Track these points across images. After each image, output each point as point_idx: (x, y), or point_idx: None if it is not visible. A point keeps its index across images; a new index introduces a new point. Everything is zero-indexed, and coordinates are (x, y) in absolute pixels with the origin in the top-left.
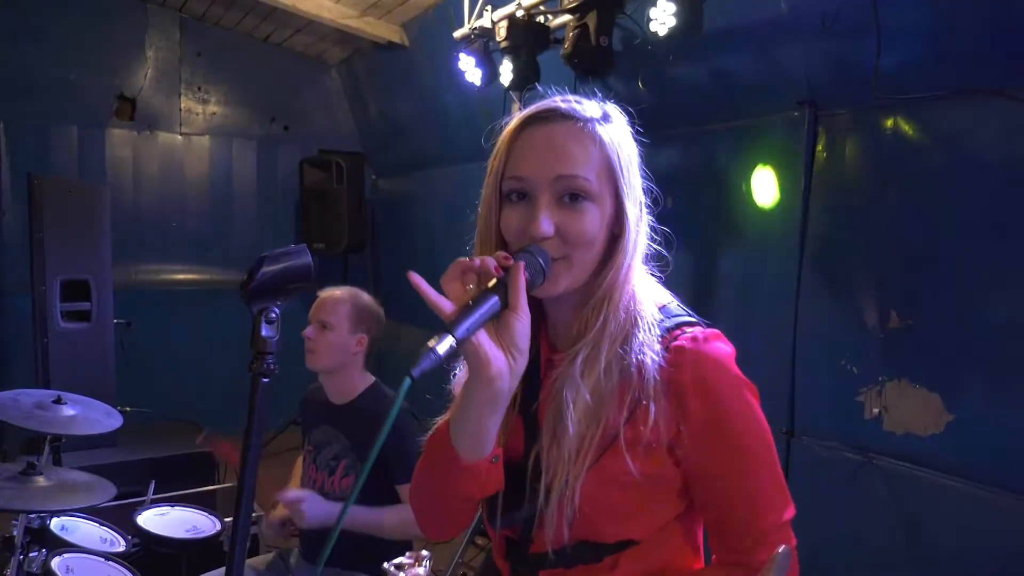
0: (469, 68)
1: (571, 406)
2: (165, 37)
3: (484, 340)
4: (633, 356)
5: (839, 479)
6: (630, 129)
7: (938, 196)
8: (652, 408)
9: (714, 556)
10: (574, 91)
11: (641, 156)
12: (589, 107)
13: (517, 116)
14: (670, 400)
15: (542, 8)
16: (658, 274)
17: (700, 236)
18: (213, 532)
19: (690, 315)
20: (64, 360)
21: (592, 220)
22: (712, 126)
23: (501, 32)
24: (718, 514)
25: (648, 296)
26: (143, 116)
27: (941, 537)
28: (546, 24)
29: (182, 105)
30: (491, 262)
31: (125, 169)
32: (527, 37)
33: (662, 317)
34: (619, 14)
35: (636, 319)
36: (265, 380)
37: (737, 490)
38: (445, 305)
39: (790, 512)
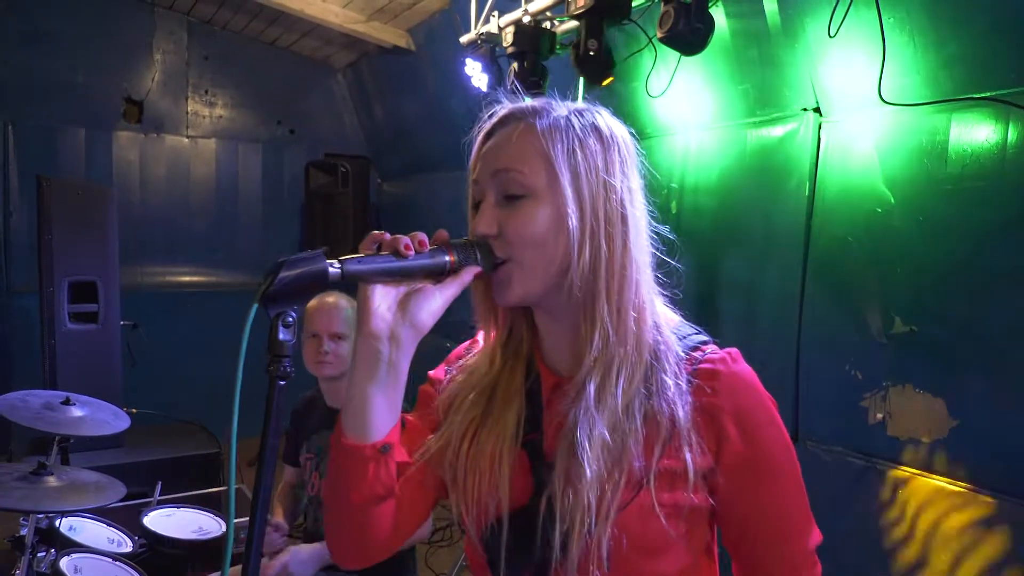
0: (475, 73)
1: (586, 444)
2: (172, 40)
3: (378, 294)
4: (661, 400)
5: (843, 484)
6: (616, 132)
7: (941, 202)
8: (687, 451)
9: None
10: (580, 97)
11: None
12: (542, 107)
13: (484, 125)
14: (705, 428)
15: (548, 14)
16: (665, 292)
17: (704, 241)
18: (219, 533)
19: (700, 332)
20: (71, 361)
21: (532, 218)
22: (717, 131)
23: (507, 37)
24: (751, 543)
25: (664, 324)
26: (150, 119)
27: (945, 543)
28: (552, 30)
29: (189, 108)
30: (403, 239)
31: (132, 171)
32: (533, 42)
33: (679, 343)
34: (624, 20)
35: (657, 353)
36: (282, 383)
37: (773, 520)
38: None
39: (817, 537)
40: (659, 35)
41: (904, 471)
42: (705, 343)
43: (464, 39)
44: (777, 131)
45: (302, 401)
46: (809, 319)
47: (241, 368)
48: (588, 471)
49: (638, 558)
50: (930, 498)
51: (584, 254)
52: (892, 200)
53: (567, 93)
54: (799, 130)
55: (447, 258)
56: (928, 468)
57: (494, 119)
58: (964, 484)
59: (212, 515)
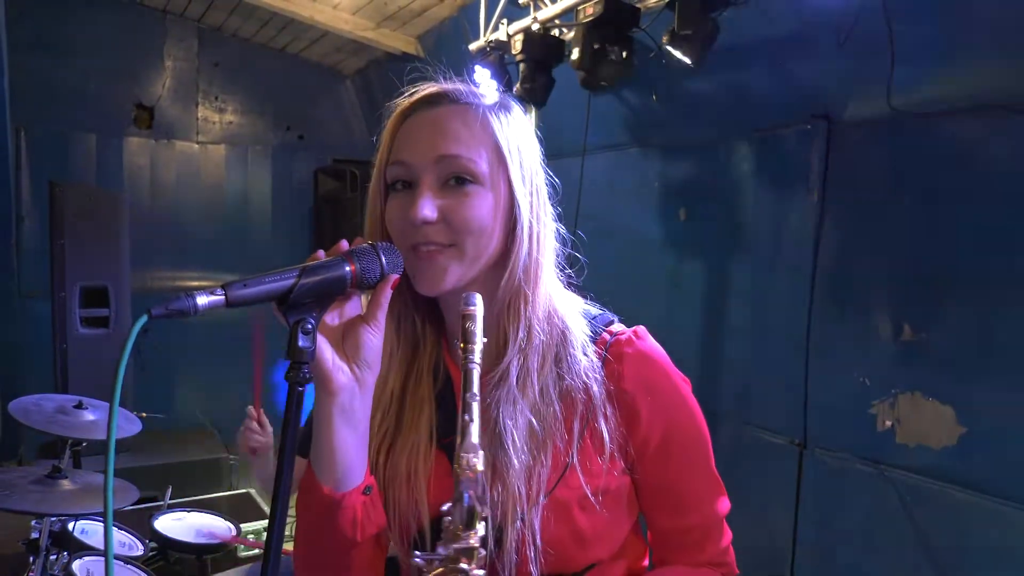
0: (484, 80)
1: (512, 433)
2: (183, 47)
3: (325, 348)
4: (574, 378)
5: (851, 491)
6: (530, 127)
7: (950, 209)
8: (603, 423)
9: (656, 554)
10: (588, 104)
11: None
12: (481, 93)
13: (403, 102)
14: (618, 408)
15: (557, 22)
16: (575, 281)
17: (713, 247)
18: (230, 537)
19: (604, 311)
20: (82, 365)
21: (481, 205)
22: (726, 138)
23: (516, 45)
24: (658, 513)
25: (569, 305)
26: (161, 125)
27: (953, 550)
28: (561, 38)
29: (199, 114)
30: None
31: (142, 177)
32: (542, 50)
33: (586, 323)
34: (633, 28)
35: (565, 334)
36: (300, 389)
37: (678, 492)
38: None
39: (725, 506)
40: (665, 42)
41: (913, 478)
42: (610, 323)
43: (473, 46)
44: (787, 137)
45: None
46: (818, 325)
47: (123, 370)
48: (517, 461)
49: (570, 551)
50: (938, 505)
51: (525, 244)
52: (901, 206)
53: (572, 98)
54: (809, 136)
55: (347, 268)
56: (937, 476)
57: (417, 95)
58: (973, 491)
59: (222, 518)
